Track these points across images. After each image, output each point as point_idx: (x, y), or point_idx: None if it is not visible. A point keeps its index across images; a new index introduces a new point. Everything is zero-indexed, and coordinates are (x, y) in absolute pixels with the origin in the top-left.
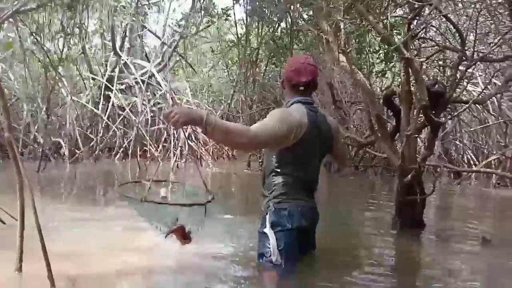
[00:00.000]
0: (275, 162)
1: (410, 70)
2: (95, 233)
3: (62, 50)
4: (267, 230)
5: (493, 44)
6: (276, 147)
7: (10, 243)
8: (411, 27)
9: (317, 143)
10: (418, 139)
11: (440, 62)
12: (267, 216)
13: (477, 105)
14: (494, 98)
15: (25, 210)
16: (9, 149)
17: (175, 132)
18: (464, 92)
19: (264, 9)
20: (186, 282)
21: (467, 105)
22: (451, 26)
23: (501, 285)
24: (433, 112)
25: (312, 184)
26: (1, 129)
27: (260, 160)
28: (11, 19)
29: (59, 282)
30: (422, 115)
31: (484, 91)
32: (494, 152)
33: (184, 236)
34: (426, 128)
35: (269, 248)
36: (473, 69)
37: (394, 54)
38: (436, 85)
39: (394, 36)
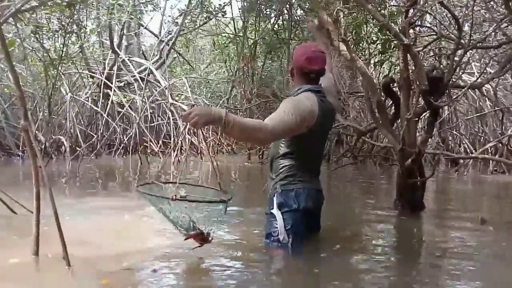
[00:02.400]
0: (284, 147)
1: (408, 56)
2: (103, 221)
3: (62, 49)
4: (275, 210)
5: (488, 32)
6: (289, 136)
7: (26, 231)
8: (409, 15)
9: (324, 129)
10: (418, 125)
11: (436, 51)
12: (274, 198)
13: (473, 94)
14: (489, 86)
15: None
16: (25, 137)
17: (174, 128)
18: (460, 81)
19: (261, 5)
20: (193, 264)
21: (464, 89)
22: (447, 16)
23: (498, 260)
24: (432, 96)
25: (318, 167)
26: (1, 128)
27: (260, 153)
28: (10, 19)
29: (74, 263)
30: (421, 101)
31: (480, 78)
32: (491, 140)
33: (202, 239)
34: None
35: (276, 228)
36: (469, 58)
37: (392, 44)
38: (434, 71)
39: (392, 25)
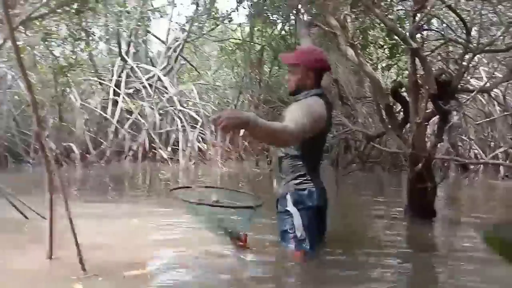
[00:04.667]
0: (294, 148)
1: (417, 60)
2: (116, 227)
3: (73, 56)
4: (290, 208)
5: (497, 35)
6: (303, 138)
7: (38, 236)
8: (416, 19)
9: (328, 131)
10: (427, 129)
11: (443, 54)
12: (288, 196)
13: (482, 99)
14: (498, 91)
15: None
16: (38, 142)
17: (183, 135)
18: (469, 86)
19: (267, 11)
20: (209, 267)
21: (474, 93)
22: (455, 19)
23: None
24: (441, 101)
25: (320, 166)
26: (12, 136)
27: (268, 159)
28: (20, 26)
29: (88, 268)
30: (429, 105)
31: (489, 82)
32: (501, 145)
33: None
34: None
35: (293, 225)
36: (477, 62)
37: (399, 49)
38: (443, 75)
39: (400, 30)
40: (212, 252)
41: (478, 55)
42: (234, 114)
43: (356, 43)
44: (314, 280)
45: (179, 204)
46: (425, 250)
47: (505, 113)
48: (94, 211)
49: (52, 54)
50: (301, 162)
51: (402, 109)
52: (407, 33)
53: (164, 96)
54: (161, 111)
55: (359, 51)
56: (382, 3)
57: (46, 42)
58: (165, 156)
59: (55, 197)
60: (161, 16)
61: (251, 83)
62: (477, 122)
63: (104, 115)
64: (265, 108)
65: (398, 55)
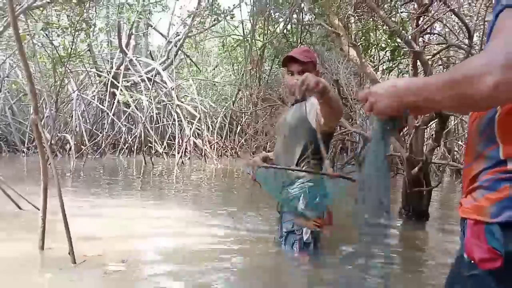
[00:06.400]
0: (310, 151)
1: (418, 63)
2: (108, 219)
3: (71, 46)
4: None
5: None
6: (327, 128)
7: (32, 226)
8: (419, 23)
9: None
10: (424, 134)
11: (444, 59)
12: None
13: None
14: None
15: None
16: (34, 131)
17: (179, 129)
18: None
19: (270, 9)
20: (197, 261)
21: None
22: (458, 23)
23: None
24: None
25: None
26: (7, 125)
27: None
28: (21, 15)
29: (78, 260)
30: None
31: None
32: None
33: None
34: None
35: (301, 226)
36: None
37: (401, 51)
38: None
39: (403, 32)
40: (201, 245)
41: None
42: (317, 77)
43: (358, 44)
44: (312, 281)
45: (170, 198)
46: (417, 251)
47: None
48: (87, 203)
49: (52, 44)
50: (317, 163)
51: None
52: (410, 36)
53: (162, 90)
54: (158, 105)
55: (361, 52)
56: (386, 5)
57: (47, 32)
58: (160, 150)
59: (49, 187)
60: (163, 10)
61: (250, 81)
62: None
63: (101, 107)
64: (264, 105)
65: (399, 57)
